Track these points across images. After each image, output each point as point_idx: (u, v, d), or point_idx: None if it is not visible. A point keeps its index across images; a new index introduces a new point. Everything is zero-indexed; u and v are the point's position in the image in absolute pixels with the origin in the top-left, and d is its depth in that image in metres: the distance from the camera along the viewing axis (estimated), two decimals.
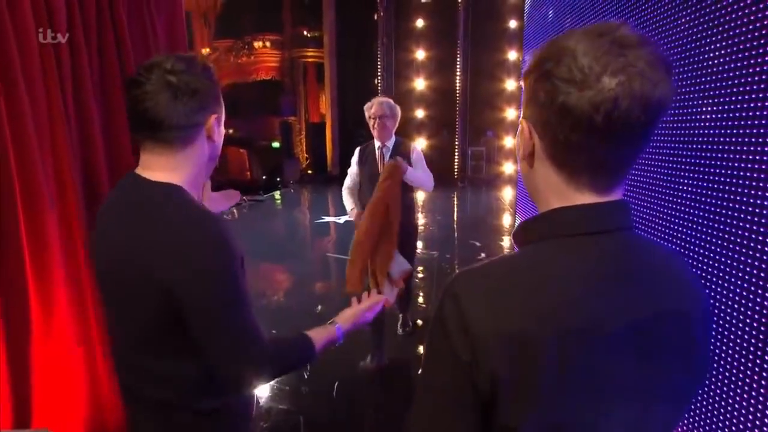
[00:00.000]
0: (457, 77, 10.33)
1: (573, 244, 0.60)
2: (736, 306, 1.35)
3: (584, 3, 2.21)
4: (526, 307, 0.56)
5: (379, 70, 10.48)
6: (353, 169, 3.02)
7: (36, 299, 1.44)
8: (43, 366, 1.46)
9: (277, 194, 9.89)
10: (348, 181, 3.03)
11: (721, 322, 1.40)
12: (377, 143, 2.91)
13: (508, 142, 10.02)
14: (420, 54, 10.31)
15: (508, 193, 9.08)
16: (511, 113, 9.84)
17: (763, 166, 1.25)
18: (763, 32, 1.21)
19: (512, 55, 9.63)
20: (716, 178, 1.43)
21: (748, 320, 1.30)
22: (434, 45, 10.30)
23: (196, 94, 0.91)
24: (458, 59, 10.33)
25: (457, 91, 10.41)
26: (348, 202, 2.99)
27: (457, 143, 10.61)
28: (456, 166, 10.63)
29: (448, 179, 10.12)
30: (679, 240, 1.60)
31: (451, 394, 0.59)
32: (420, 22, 10.37)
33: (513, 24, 9.56)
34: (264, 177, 10.95)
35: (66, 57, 1.54)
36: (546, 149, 0.61)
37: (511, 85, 9.85)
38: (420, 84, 10.35)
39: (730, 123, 1.36)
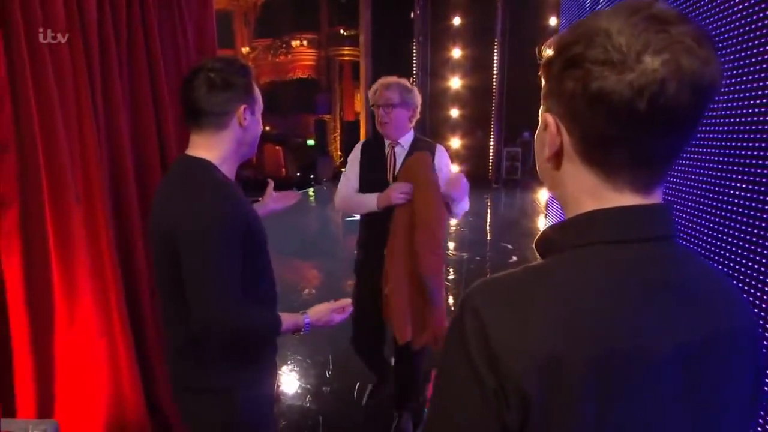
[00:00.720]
0: (494, 76, 10.13)
1: (613, 253, 0.52)
2: None
3: None
4: (559, 325, 0.48)
5: (414, 68, 10.42)
6: (350, 172, 2.15)
7: (60, 291, 1.48)
8: (65, 357, 1.50)
9: (310, 191, 9.99)
10: (342, 190, 2.14)
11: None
12: (386, 140, 2.10)
13: None
14: (456, 52, 10.17)
15: (543, 195, 8.84)
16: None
17: None
18: None
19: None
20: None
21: None
22: (470, 43, 10.13)
23: (229, 88, 1.16)
24: (495, 57, 10.12)
25: (494, 90, 10.21)
26: (356, 199, 2.11)
27: (492, 143, 10.41)
28: (491, 167, 10.44)
29: (483, 180, 9.95)
30: (726, 255, 1.47)
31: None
32: (457, 20, 10.22)
33: (553, 21, 9.28)
34: (298, 174, 11.09)
35: (96, 57, 1.57)
36: (576, 146, 0.53)
37: None
38: (455, 83, 10.21)
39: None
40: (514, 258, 5.14)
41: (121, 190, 1.65)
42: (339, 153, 12.50)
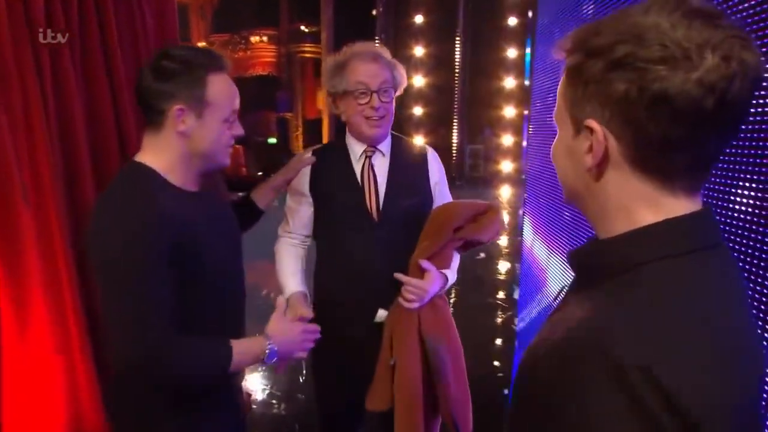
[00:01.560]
0: (456, 74, 10.25)
1: (699, 264, 0.48)
2: None
3: None
4: (720, 365, 0.44)
5: None
6: (296, 205, 1.46)
7: (7, 301, 1.34)
8: (15, 374, 1.36)
9: None
10: (286, 230, 1.50)
11: None
12: (355, 146, 1.42)
13: (507, 140, 9.95)
14: (418, 51, 10.21)
15: (506, 192, 9.01)
16: (509, 111, 9.76)
17: None
18: None
19: (512, 52, 9.54)
20: None
21: None
22: (433, 42, 10.20)
23: (165, 81, 0.98)
24: (457, 55, 10.24)
25: (456, 88, 10.33)
26: (287, 274, 1.46)
27: (455, 141, 10.52)
28: (453, 164, 10.54)
29: (446, 177, 10.05)
30: None
31: None
32: (419, 18, 10.27)
33: (513, 21, 9.46)
34: (260, 173, 10.82)
35: (45, 53, 1.43)
36: (626, 152, 0.49)
37: (510, 83, 9.77)
38: (418, 81, 10.25)
39: None
40: (482, 254, 5.18)
41: (77, 190, 1.51)
42: (302, 151, 12.31)
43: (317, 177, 1.43)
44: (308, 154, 1.43)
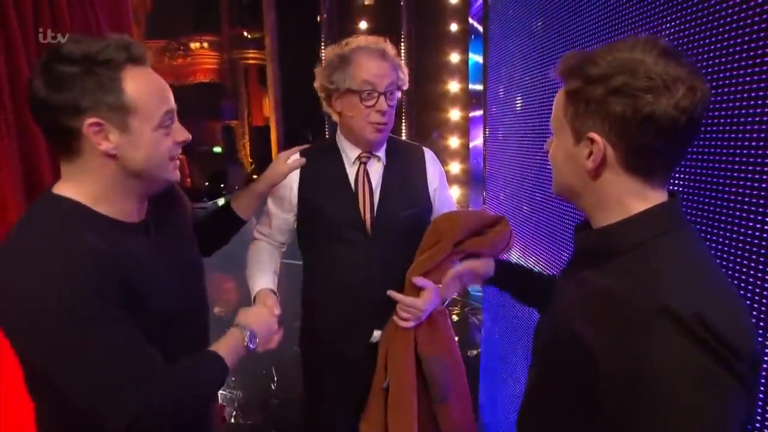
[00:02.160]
0: None
1: (692, 239, 0.66)
2: None
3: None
4: (746, 322, 0.61)
5: None
6: (278, 210, 1.36)
7: None
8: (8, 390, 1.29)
9: (221, 201, 9.53)
10: (263, 233, 1.41)
11: None
12: (348, 150, 1.31)
13: (453, 142, 10.25)
14: None
15: (455, 192, 9.30)
16: (455, 114, 10.06)
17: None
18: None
19: (455, 57, 9.85)
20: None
21: None
22: None
23: (63, 90, 0.74)
24: (402, 60, 10.46)
25: (403, 92, 10.53)
26: (259, 271, 1.36)
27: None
28: None
29: None
30: None
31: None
32: (363, 24, 10.38)
33: (454, 27, 9.78)
34: (206, 183, 10.51)
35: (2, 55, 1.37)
36: (622, 157, 0.64)
37: (454, 86, 10.07)
38: None
39: None
40: None
41: (38, 192, 1.43)
42: (249, 160, 12.06)
43: (306, 183, 1.28)
44: (296, 155, 1.27)
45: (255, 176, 11.77)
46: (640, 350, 0.57)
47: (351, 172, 1.30)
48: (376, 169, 1.31)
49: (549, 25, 1.63)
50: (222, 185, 10.24)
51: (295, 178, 1.30)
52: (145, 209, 0.93)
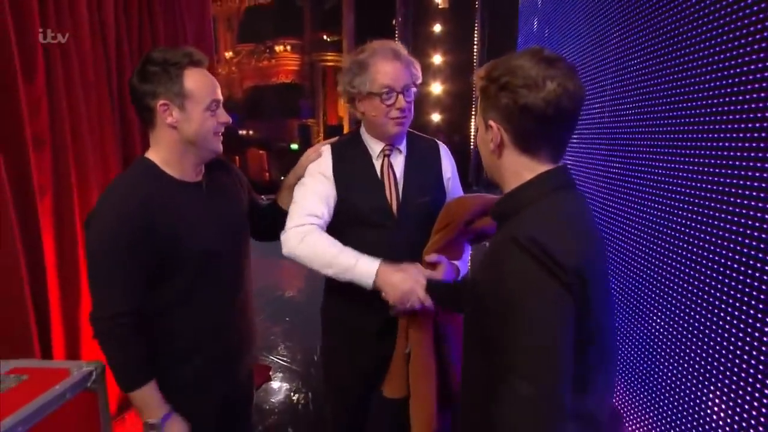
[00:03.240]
0: (473, 81, 10.47)
1: (568, 196, 0.84)
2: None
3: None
4: (578, 238, 0.80)
5: None
6: (321, 187, 1.38)
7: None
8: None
9: None
10: (313, 213, 1.35)
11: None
12: (373, 144, 1.41)
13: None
14: (437, 59, 10.49)
15: None
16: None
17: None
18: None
19: None
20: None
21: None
22: (451, 50, 10.47)
23: (146, 81, 1.11)
24: (475, 63, 10.47)
25: (474, 95, 10.57)
26: (329, 251, 1.30)
27: (472, 146, 10.74)
28: (470, 169, 10.76)
29: (462, 181, 10.24)
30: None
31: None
32: (438, 27, 10.54)
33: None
34: (282, 178, 11.17)
35: (113, 59, 1.77)
36: (512, 139, 0.84)
37: None
38: (436, 88, 10.52)
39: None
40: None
41: (82, 189, 1.75)
42: None
43: (338, 172, 1.39)
44: (326, 147, 1.43)
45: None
46: (497, 274, 0.78)
47: (377, 164, 1.42)
48: (398, 161, 1.44)
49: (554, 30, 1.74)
50: None
51: (328, 166, 1.39)
52: (201, 173, 1.25)
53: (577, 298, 0.75)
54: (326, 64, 12.76)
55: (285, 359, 3.12)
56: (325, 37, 12.63)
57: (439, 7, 10.33)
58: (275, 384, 2.84)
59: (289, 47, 12.94)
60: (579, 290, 0.75)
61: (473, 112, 10.89)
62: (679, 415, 1.55)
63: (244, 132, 12.08)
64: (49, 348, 1.57)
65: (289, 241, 1.32)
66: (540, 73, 0.78)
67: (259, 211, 1.47)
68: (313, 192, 1.37)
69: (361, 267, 1.27)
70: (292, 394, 2.74)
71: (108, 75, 1.77)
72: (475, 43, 10.50)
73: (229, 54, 13.11)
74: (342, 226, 1.40)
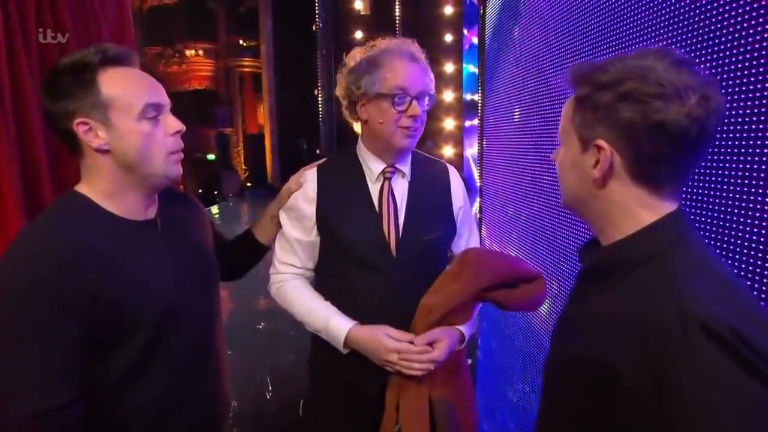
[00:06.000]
0: None
1: (699, 243, 0.63)
2: None
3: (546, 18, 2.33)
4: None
5: (319, 80, 10.45)
6: (300, 233, 1.20)
7: None
8: None
9: (215, 208, 9.49)
10: (290, 263, 1.22)
11: None
12: (372, 163, 1.18)
13: (447, 151, 10.32)
14: None
15: None
16: (449, 123, 10.14)
17: None
18: None
19: (449, 67, 9.96)
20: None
21: None
22: None
23: (58, 96, 0.84)
24: None
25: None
26: (320, 309, 1.16)
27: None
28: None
29: None
30: None
31: None
32: (359, 34, 10.48)
33: (449, 38, 9.89)
34: (200, 190, 10.48)
35: (2, 56, 1.38)
36: (628, 165, 0.62)
37: (448, 96, 10.17)
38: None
39: None
40: None
41: (36, 193, 1.43)
42: (243, 167, 12.06)
43: (324, 200, 1.16)
44: (312, 170, 1.20)
45: (249, 184, 11.66)
46: (672, 367, 0.53)
47: (374, 188, 1.17)
48: (400, 186, 1.18)
49: (544, 36, 1.67)
50: (216, 192, 10.23)
51: (312, 195, 1.17)
52: (155, 207, 0.95)
53: None
54: (243, 70, 12.19)
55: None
56: (241, 41, 12.05)
57: (361, 13, 10.24)
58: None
59: (201, 52, 12.17)
60: None
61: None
62: None
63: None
64: None
65: (270, 288, 1.24)
66: (680, 78, 0.57)
67: (229, 254, 1.21)
68: (287, 237, 1.20)
69: (332, 330, 1.12)
70: None
71: (37, 71, 1.39)
72: None
73: None
74: (330, 266, 1.19)
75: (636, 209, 0.64)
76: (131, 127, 0.85)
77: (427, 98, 1.13)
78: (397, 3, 10.31)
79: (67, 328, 0.78)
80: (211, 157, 11.64)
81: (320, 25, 10.31)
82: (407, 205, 1.17)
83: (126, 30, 1.78)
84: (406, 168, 1.19)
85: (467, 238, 1.27)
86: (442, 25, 10.53)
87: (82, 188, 0.89)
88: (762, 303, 0.68)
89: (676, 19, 0.99)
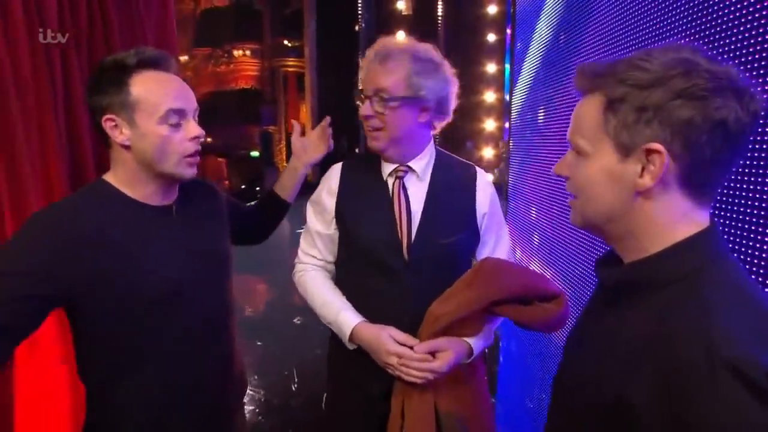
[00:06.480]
0: None
1: (734, 266, 0.56)
2: None
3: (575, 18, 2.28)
4: None
5: (360, 81, 10.58)
6: (319, 223, 1.22)
7: None
8: (25, 388, 1.40)
9: None
10: (311, 254, 1.24)
11: None
12: (384, 163, 1.17)
13: (487, 153, 10.19)
14: None
15: None
16: (489, 124, 10.01)
17: None
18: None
19: (491, 67, 9.82)
20: None
21: None
22: None
23: (93, 92, 0.91)
24: None
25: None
26: (333, 303, 1.17)
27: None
28: None
29: None
30: None
31: None
32: (401, 34, 10.49)
33: (492, 38, 9.76)
34: (243, 186, 10.83)
35: (57, 58, 1.49)
36: (682, 172, 0.54)
37: (490, 96, 10.03)
38: None
39: None
40: None
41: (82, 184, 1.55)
42: (285, 165, 12.36)
43: (344, 194, 1.17)
44: (338, 165, 1.22)
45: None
46: (694, 408, 0.48)
47: (388, 187, 1.15)
48: (417, 188, 1.15)
49: (571, 38, 1.63)
50: (258, 188, 10.52)
51: (335, 189, 1.18)
52: (174, 194, 1.01)
53: None
54: (287, 70, 12.49)
55: (258, 391, 2.84)
56: (286, 42, 12.36)
57: (403, 14, 10.26)
58: (250, 420, 2.56)
59: (248, 52, 12.59)
60: None
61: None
62: None
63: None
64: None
65: (294, 276, 1.28)
66: (725, 70, 0.51)
67: (253, 216, 1.31)
68: (310, 229, 1.24)
69: (341, 323, 1.12)
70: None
71: (51, 80, 1.48)
72: (440, 49, 10.47)
73: (184, 58, 12.58)
74: (350, 262, 1.18)
75: (676, 222, 0.56)
76: (152, 129, 0.90)
77: (379, 98, 1.06)
78: (439, 2, 10.27)
79: (38, 286, 0.84)
80: (254, 154, 12.01)
81: (363, 25, 10.41)
82: (424, 206, 1.14)
83: (168, 31, 1.88)
84: (420, 169, 1.16)
85: (493, 247, 1.20)
86: (485, 24, 10.40)
87: (108, 176, 0.98)
88: None
89: (706, 19, 0.95)
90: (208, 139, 11.59)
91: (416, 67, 1.08)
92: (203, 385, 1.02)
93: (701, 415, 0.47)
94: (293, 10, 11.58)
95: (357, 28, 10.53)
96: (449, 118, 1.19)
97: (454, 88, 1.18)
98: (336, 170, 1.20)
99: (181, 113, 0.93)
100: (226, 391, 1.10)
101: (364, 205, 1.15)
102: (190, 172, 0.96)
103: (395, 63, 1.07)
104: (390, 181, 1.15)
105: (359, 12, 10.41)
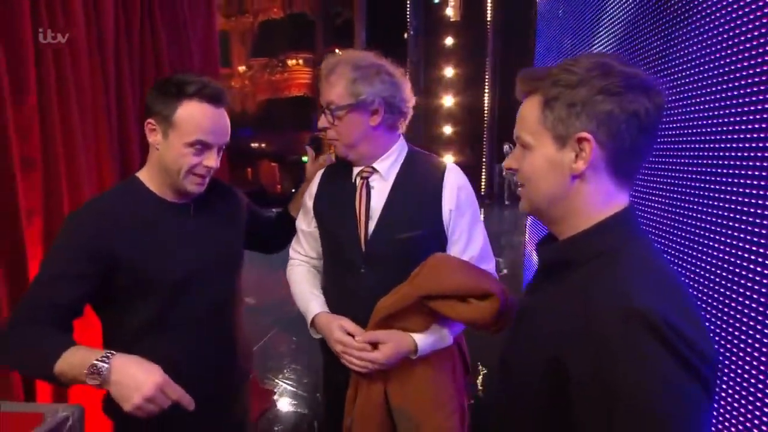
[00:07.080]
0: (486, 94, 10.41)
1: (647, 244, 0.67)
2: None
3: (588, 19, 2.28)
4: (703, 323, 0.61)
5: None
6: (305, 225, 1.32)
7: None
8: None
9: None
10: (298, 251, 1.35)
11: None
12: (356, 167, 1.24)
13: None
14: (449, 71, 10.44)
15: None
16: None
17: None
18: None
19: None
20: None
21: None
22: (463, 62, 10.43)
23: (154, 96, 1.08)
24: (487, 76, 10.41)
25: (486, 108, 10.49)
26: (307, 295, 1.25)
27: (484, 160, 10.62)
28: (483, 183, 10.64)
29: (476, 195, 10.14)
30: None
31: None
32: (449, 41, 10.52)
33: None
34: (293, 190, 11.21)
35: (111, 73, 1.69)
36: (608, 156, 0.64)
37: None
38: (448, 101, 10.46)
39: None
40: (505, 270, 5.25)
41: (76, 195, 1.62)
42: None
43: (320, 195, 1.26)
44: (322, 169, 1.33)
45: None
46: (611, 356, 0.56)
47: (358, 186, 1.22)
48: (380, 188, 1.20)
49: (584, 39, 1.65)
50: None
51: (314, 190, 1.27)
52: (184, 196, 1.14)
53: (711, 397, 0.56)
54: None
55: (290, 383, 3.00)
56: (336, 50, 12.67)
57: (451, 20, 10.31)
58: (279, 409, 2.72)
59: (301, 61, 13.04)
60: (713, 386, 0.56)
61: (485, 125, 10.80)
62: None
63: (257, 144, 12.13)
64: (32, 389, 1.48)
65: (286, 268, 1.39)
66: (634, 71, 0.62)
67: (268, 229, 1.42)
68: (297, 227, 1.35)
69: (308, 313, 1.22)
70: (297, 421, 2.62)
71: (105, 90, 1.69)
72: (487, 54, 10.45)
73: (242, 68, 13.24)
74: (326, 260, 1.28)
75: (602, 203, 0.66)
76: (177, 148, 1.06)
77: (329, 111, 1.16)
78: (488, 8, 10.21)
79: (84, 269, 1.02)
80: (306, 158, 12.37)
81: (411, 32, 10.55)
82: (385, 203, 1.18)
83: (212, 47, 2.07)
84: (384, 168, 1.20)
85: (464, 245, 1.19)
86: (533, 28, 10.14)
87: (141, 172, 1.15)
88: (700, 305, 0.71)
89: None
90: (263, 145, 12.14)
91: (355, 74, 1.14)
92: (205, 364, 1.14)
93: (615, 358, 0.56)
94: (344, 19, 11.91)
95: (405, 35, 10.69)
96: (407, 117, 1.23)
97: (403, 87, 1.20)
98: (318, 174, 1.31)
99: (205, 146, 1.07)
100: (230, 372, 1.23)
101: (334, 204, 1.23)
102: (194, 189, 1.09)
103: (335, 76, 1.16)
104: (358, 182, 1.21)
105: (407, 19, 10.55)
